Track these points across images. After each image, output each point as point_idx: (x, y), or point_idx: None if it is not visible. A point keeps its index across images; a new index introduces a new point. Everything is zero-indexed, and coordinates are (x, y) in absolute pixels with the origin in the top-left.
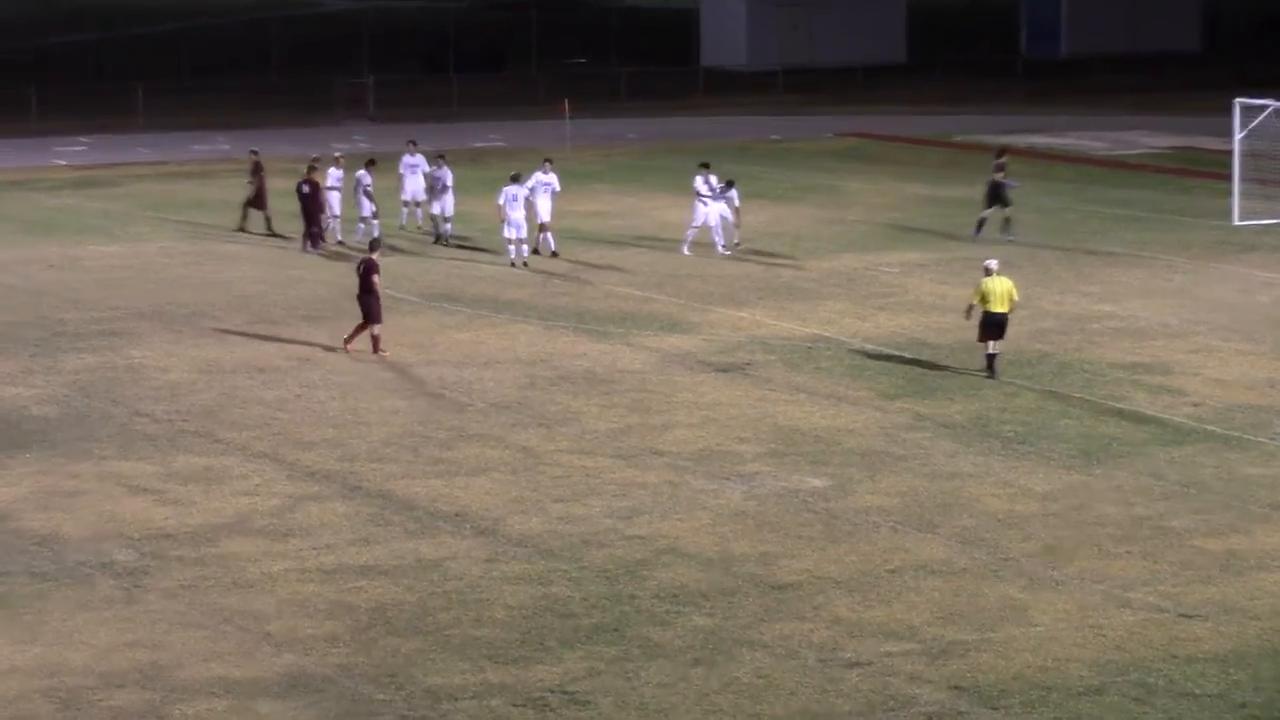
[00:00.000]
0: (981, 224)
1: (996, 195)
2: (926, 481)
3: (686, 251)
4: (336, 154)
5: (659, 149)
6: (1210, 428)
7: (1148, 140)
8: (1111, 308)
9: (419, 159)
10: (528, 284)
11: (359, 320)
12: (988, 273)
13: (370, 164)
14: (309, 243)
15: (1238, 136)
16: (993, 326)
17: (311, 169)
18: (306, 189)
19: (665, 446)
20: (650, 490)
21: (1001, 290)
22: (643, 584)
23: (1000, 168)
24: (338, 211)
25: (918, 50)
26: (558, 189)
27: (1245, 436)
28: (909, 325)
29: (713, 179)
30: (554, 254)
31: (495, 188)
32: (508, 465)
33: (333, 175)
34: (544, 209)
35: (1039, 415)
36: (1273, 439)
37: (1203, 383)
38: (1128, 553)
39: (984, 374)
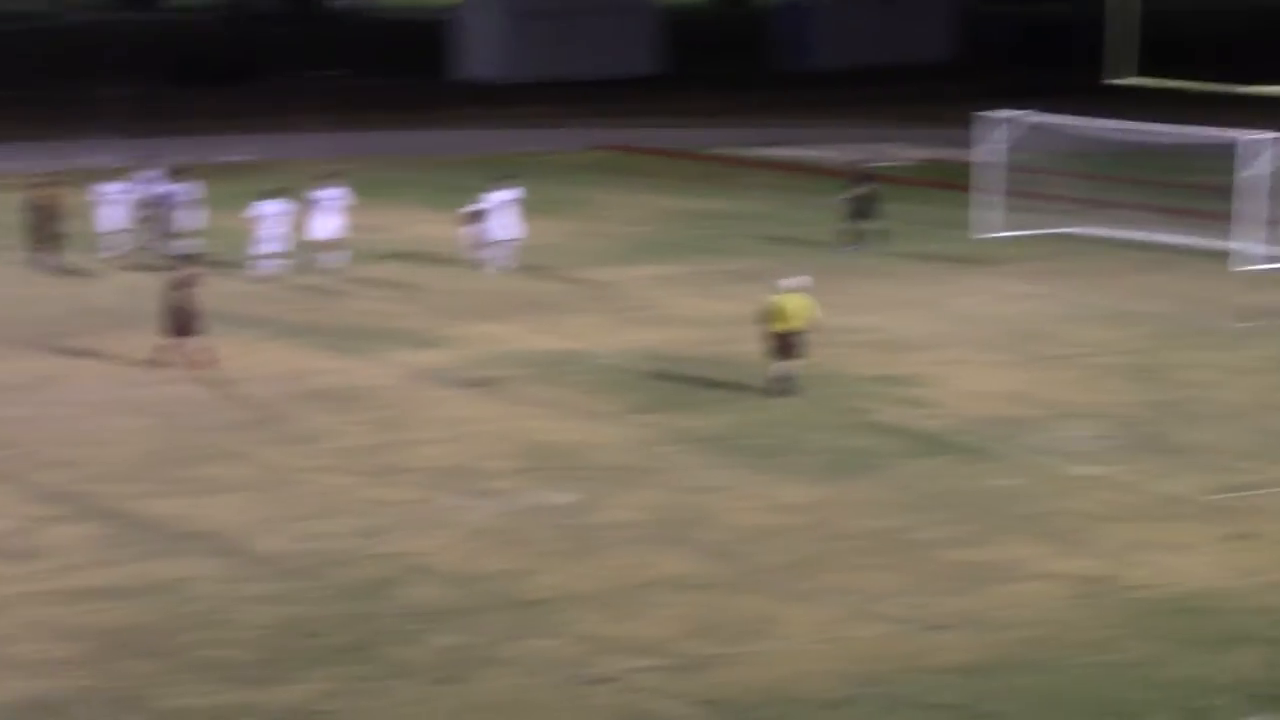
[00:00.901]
0: (860, 236)
1: (863, 209)
2: (677, 496)
3: (491, 268)
4: (121, 166)
5: (413, 162)
6: (958, 439)
7: (900, 152)
8: (862, 320)
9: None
10: (278, 300)
11: (172, 336)
12: (782, 290)
13: (171, 174)
14: (43, 259)
15: (982, 149)
16: (778, 344)
17: (40, 185)
18: (36, 204)
19: (415, 463)
20: (398, 507)
21: (788, 309)
22: (389, 602)
23: (867, 177)
24: (119, 226)
25: (674, 63)
26: (345, 204)
27: (992, 448)
28: (661, 339)
29: (506, 194)
30: (333, 271)
31: (244, 202)
32: (254, 483)
33: (112, 189)
34: (328, 226)
35: (790, 428)
36: (1018, 451)
37: (951, 395)
38: (876, 565)
39: (765, 391)
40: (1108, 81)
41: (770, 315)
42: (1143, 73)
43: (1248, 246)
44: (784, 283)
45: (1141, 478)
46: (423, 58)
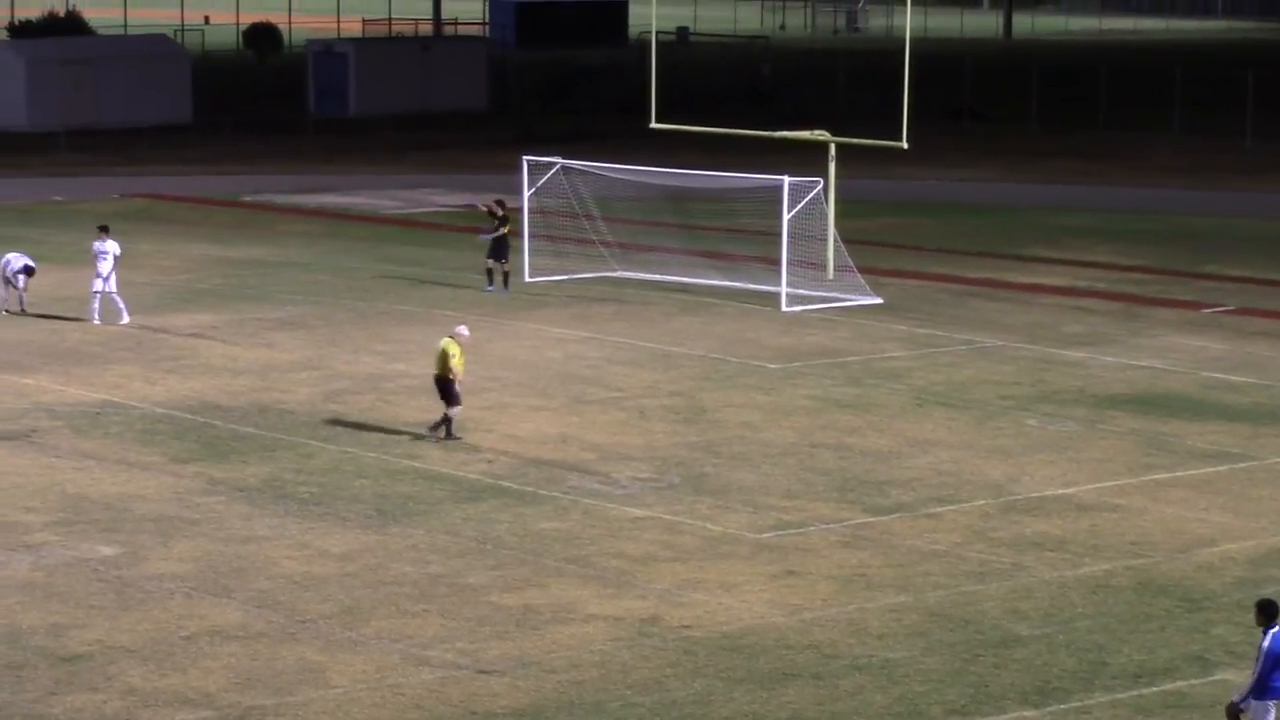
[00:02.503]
0: (490, 275)
1: (499, 251)
2: (221, 546)
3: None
4: None
5: None
6: (505, 484)
7: (438, 199)
8: (405, 366)
9: None
10: None
11: None
12: (450, 336)
13: None
14: None
15: (526, 194)
16: (438, 388)
17: None
18: None
19: None
20: None
21: (439, 352)
22: None
23: (503, 219)
24: None
25: (205, 109)
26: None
27: (539, 492)
28: (201, 388)
29: (110, 243)
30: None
31: None
32: None
33: None
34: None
35: (334, 476)
36: (565, 494)
37: (497, 439)
38: (425, 611)
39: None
40: (652, 126)
41: (436, 359)
42: (683, 120)
43: (789, 289)
44: (459, 329)
45: (689, 518)
46: None
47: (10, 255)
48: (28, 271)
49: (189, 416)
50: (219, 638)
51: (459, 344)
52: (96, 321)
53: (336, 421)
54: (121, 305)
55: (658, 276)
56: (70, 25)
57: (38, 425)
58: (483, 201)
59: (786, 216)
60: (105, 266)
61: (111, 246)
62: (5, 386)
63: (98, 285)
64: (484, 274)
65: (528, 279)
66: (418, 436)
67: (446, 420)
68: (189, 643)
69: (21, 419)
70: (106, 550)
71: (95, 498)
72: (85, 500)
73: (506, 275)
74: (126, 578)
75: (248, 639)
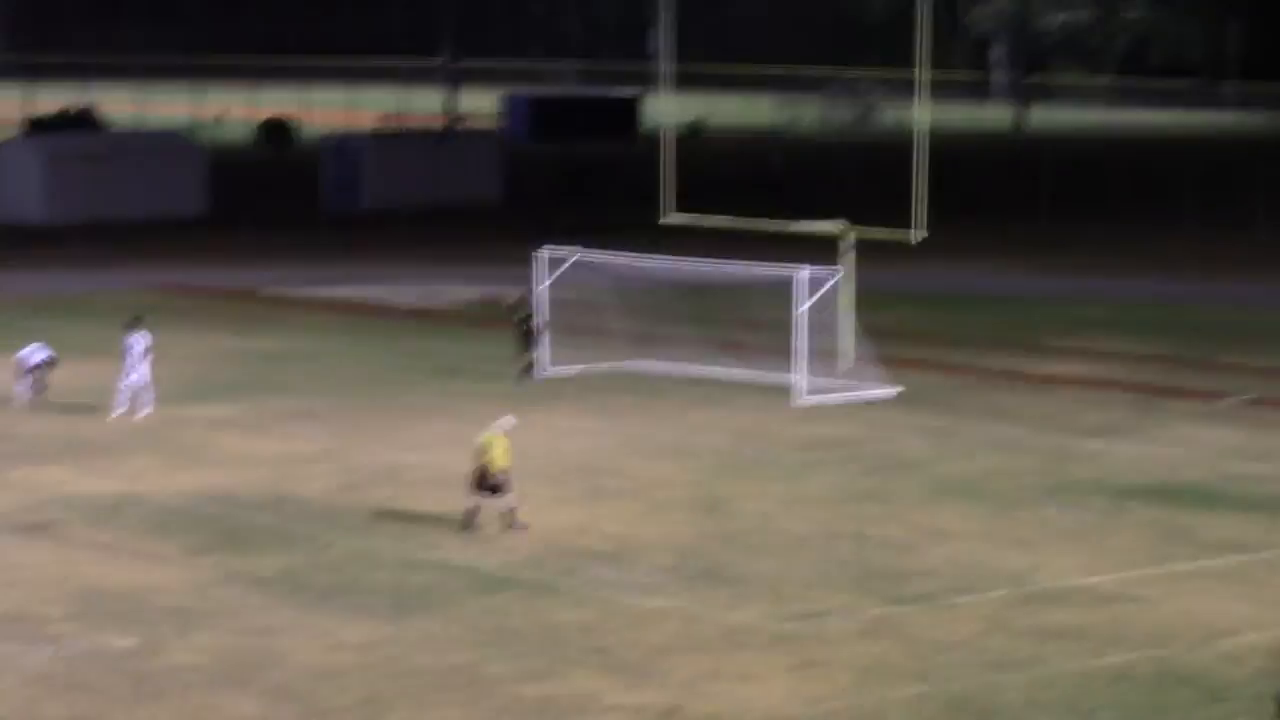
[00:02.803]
0: (529, 368)
1: (527, 340)
2: (238, 637)
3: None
4: None
5: None
6: (523, 574)
7: (454, 291)
8: (421, 458)
9: None
10: None
11: None
12: (492, 429)
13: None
14: None
15: (539, 286)
16: (477, 478)
17: None
18: None
19: None
20: None
21: (479, 446)
22: None
23: (527, 311)
24: None
25: (221, 202)
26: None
27: (558, 582)
28: (218, 480)
29: (141, 337)
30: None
31: None
32: None
33: None
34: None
35: (352, 567)
36: (584, 584)
37: (515, 529)
38: (445, 703)
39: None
40: (662, 221)
41: (478, 451)
42: (694, 211)
43: (804, 380)
44: (498, 423)
45: (708, 609)
46: None
47: (31, 347)
48: (49, 364)
49: (206, 508)
50: None
51: (502, 437)
52: (117, 414)
53: (354, 512)
54: (146, 396)
55: (672, 368)
56: (85, 121)
57: (55, 517)
58: (508, 297)
59: (804, 306)
60: (134, 360)
61: (142, 339)
62: (22, 479)
63: (127, 380)
64: (525, 367)
65: (544, 370)
66: (507, 527)
67: (510, 510)
68: None
69: (39, 511)
70: (124, 642)
71: (112, 589)
72: (102, 592)
73: (529, 366)
74: (144, 669)
75: None
